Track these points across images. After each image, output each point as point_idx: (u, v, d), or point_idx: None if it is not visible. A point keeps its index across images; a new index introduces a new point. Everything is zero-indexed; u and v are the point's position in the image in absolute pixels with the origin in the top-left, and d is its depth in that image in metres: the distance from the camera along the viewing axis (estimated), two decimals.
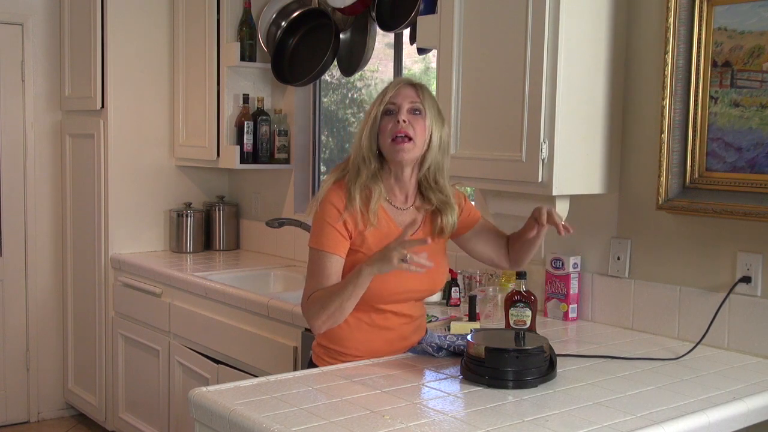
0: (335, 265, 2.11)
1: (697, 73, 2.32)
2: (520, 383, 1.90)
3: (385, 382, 1.93)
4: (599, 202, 2.63)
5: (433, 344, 2.17)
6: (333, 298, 2.07)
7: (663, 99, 2.36)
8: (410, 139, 2.08)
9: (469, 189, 3.04)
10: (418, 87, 2.13)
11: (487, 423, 1.67)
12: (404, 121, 2.08)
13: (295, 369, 2.81)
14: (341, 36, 3.61)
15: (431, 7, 2.85)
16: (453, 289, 2.90)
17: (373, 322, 2.15)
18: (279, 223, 3.59)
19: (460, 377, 1.97)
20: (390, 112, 2.10)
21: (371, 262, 2.00)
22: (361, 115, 4.01)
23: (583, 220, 2.68)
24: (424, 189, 2.20)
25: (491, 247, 2.34)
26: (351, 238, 2.11)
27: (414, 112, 2.10)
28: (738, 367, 2.16)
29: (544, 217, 2.13)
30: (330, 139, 4.12)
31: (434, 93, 2.69)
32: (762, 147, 2.19)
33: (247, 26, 3.85)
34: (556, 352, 2.05)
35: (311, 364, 2.23)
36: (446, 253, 2.29)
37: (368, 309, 2.14)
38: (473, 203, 2.96)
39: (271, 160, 3.93)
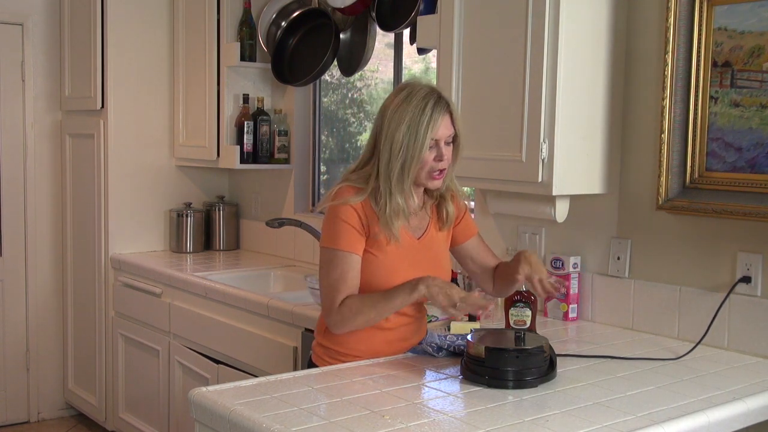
0: (355, 265, 2.08)
1: (697, 73, 2.32)
2: (520, 383, 1.90)
3: (385, 382, 1.93)
4: (599, 202, 2.63)
5: (433, 344, 2.17)
6: (375, 307, 2.06)
7: (663, 99, 2.36)
8: (444, 169, 2.11)
9: (469, 189, 3.04)
10: (452, 111, 2.08)
11: (487, 423, 1.67)
12: (443, 160, 2.08)
13: (295, 369, 2.81)
14: (341, 36, 3.61)
15: (431, 7, 2.85)
16: None
17: None
18: (279, 223, 3.59)
19: (460, 377, 1.97)
20: (430, 146, 2.07)
21: (430, 287, 2.00)
22: (362, 115, 4.01)
23: (583, 220, 2.68)
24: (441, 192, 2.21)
25: (479, 268, 2.34)
26: (367, 236, 2.10)
27: (450, 143, 2.10)
28: (738, 367, 2.16)
29: (522, 275, 2.15)
30: (330, 139, 4.12)
31: None
32: (762, 147, 2.19)
33: (247, 26, 3.85)
34: (556, 352, 2.05)
35: (311, 364, 2.23)
36: (449, 253, 2.29)
37: None
38: (473, 215, 2.98)
39: (271, 160, 3.93)
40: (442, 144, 2.07)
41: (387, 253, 2.10)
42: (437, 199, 2.21)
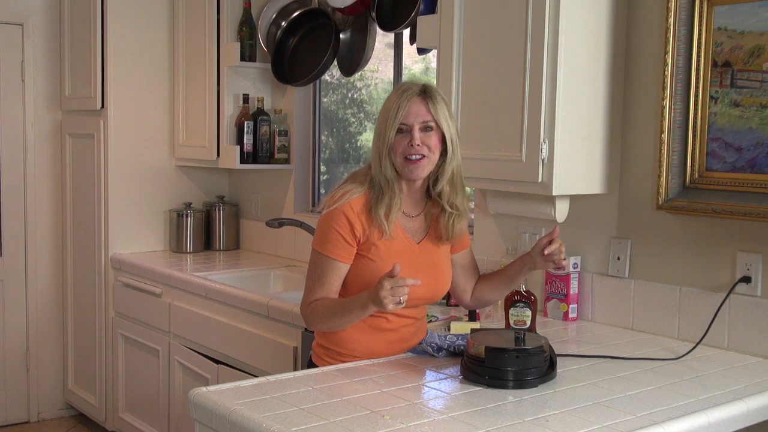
0: (338, 272, 2.11)
1: (697, 73, 2.32)
2: (520, 383, 1.90)
3: (385, 382, 1.93)
4: (599, 202, 2.63)
5: (433, 344, 2.17)
6: (334, 319, 2.10)
7: (663, 99, 2.36)
8: (424, 156, 2.07)
9: (469, 189, 3.04)
10: (428, 99, 2.07)
11: (487, 423, 1.67)
12: (418, 145, 2.05)
13: (295, 369, 2.81)
14: (341, 36, 3.61)
15: (431, 7, 2.85)
16: None
17: (375, 323, 2.14)
18: (279, 223, 3.59)
19: (460, 377, 1.97)
20: (402, 131, 2.07)
21: (374, 300, 1.97)
22: (362, 115, 4.01)
23: (583, 220, 2.68)
24: (435, 194, 2.17)
25: (465, 279, 2.34)
26: (358, 245, 2.11)
27: (426, 129, 2.07)
28: (738, 367, 2.16)
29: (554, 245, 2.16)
30: (330, 139, 4.12)
31: None
32: (762, 147, 2.19)
33: (247, 26, 3.85)
34: (556, 352, 2.05)
35: (311, 364, 2.23)
36: (450, 259, 2.28)
37: None
38: (472, 215, 2.99)
39: (271, 160, 3.94)
40: (415, 130, 2.05)
41: (384, 258, 2.10)
42: (441, 210, 2.18)
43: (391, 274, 1.94)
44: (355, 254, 2.11)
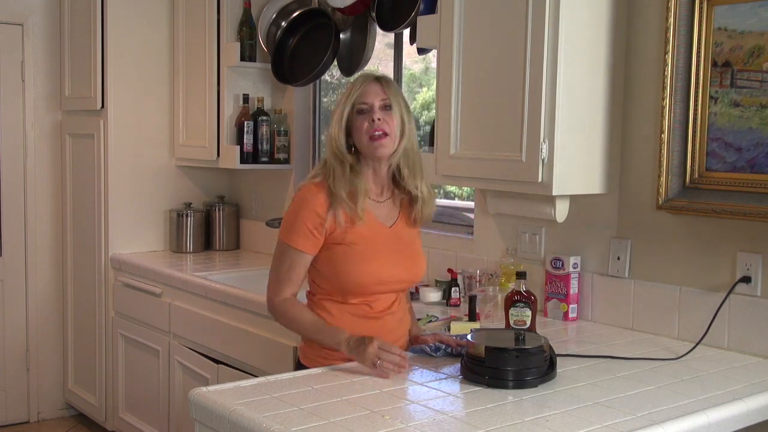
0: (304, 263, 2.16)
1: (697, 73, 2.32)
2: (520, 383, 1.90)
3: (385, 382, 1.93)
4: (599, 202, 2.63)
5: (430, 344, 2.17)
6: (302, 331, 2.19)
7: (663, 99, 2.36)
8: (386, 134, 2.13)
9: (468, 189, 3.04)
10: (383, 82, 2.17)
11: (487, 423, 1.67)
12: (379, 119, 2.12)
13: (295, 369, 2.80)
14: (341, 36, 3.61)
15: (431, 7, 2.85)
16: (453, 289, 2.90)
17: (358, 311, 2.16)
18: (279, 223, 3.58)
19: (460, 377, 1.97)
20: (362, 111, 2.14)
21: (350, 347, 2.02)
22: None
23: (583, 220, 2.68)
24: (398, 180, 2.23)
25: None
26: (327, 235, 2.13)
27: (385, 108, 2.14)
28: (738, 367, 2.16)
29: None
30: None
31: (433, 91, 2.71)
32: (762, 147, 2.19)
33: (247, 26, 3.85)
34: (556, 352, 2.05)
35: (300, 366, 2.22)
36: (421, 242, 2.32)
37: (349, 300, 2.16)
38: (472, 215, 2.98)
39: (271, 160, 3.94)
40: (375, 108, 2.12)
41: (358, 242, 2.13)
42: (408, 196, 2.23)
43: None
44: (322, 245, 2.14)
